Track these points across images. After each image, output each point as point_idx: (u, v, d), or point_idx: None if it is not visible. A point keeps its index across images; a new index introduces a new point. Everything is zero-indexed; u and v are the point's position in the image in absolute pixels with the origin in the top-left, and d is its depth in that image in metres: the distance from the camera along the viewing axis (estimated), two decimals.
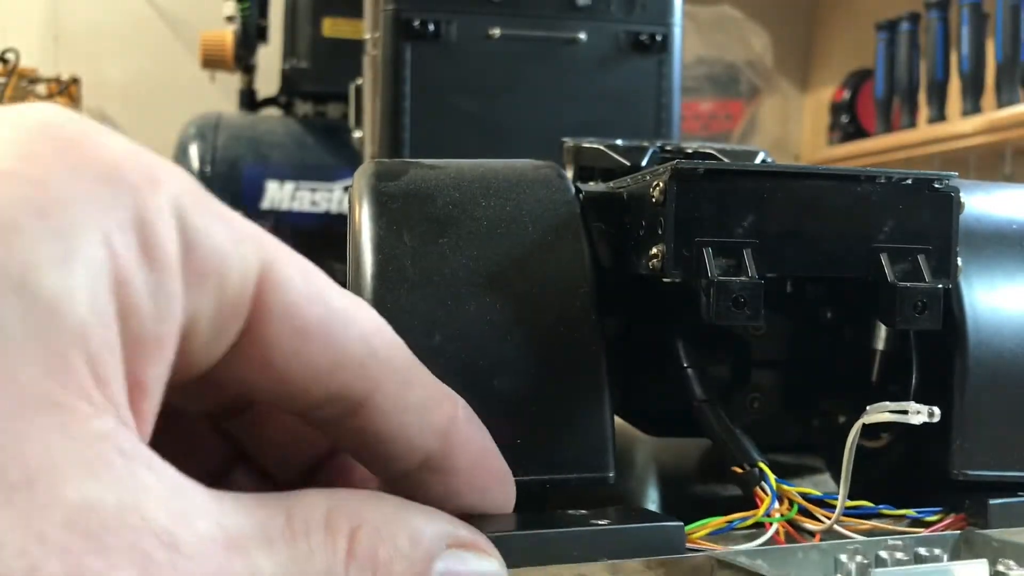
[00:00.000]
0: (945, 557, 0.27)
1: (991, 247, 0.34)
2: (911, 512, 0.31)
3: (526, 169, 0.34)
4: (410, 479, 0.22)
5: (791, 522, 0.29)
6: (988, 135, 1.52)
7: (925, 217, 0.30)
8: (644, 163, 0.41)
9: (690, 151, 0.43)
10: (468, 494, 0.23)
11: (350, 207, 0.34)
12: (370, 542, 0.19)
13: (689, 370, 0.34)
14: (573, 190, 0.33)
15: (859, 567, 0.26)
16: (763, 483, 0.30)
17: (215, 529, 0.16)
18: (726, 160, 0.42)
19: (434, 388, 0.22)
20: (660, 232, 0.29)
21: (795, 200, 0.29)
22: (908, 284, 0.29)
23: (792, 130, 2.24)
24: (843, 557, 0.26)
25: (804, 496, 0.30)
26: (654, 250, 0.29)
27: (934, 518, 0.31)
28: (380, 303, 0.29)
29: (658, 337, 0.34)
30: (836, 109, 2.03)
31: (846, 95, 2.00)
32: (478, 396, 0.27)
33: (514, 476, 0.25)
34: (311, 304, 0.19)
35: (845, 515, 0.29)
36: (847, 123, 1.99)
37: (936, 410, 0.26)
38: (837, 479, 0.39)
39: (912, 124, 1.75)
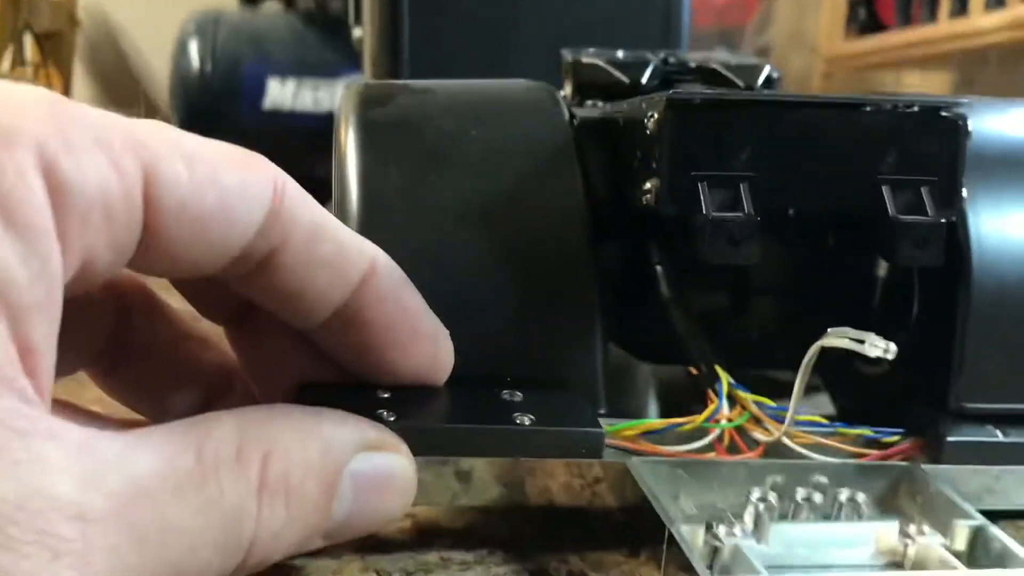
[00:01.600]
0: (863, 501, 0.26)
1: (1001, 171, 0.33)
2: (867, 431, 0.30)
3: (519, 93, 0.33)
4: (327, 331, 0.24)
5: (741, 429, 0.29)
6: (1012, 31, 1.48)
7: (930, 147, 0.28)
8: (645, 79, 0.40)
9: (692, 65, 0.41)
10: (388, 350, 0.24)
11: (335, 131, 0.33)
12: (281, 466, 0.19)
13: (658, 268, 0.33)
14: (567, 115, 0.32)
15: (767, 508, 0.26)
16: (716, 385, 0.30)
17: (125, 482, 0.17)
18: (730, 75, 0.41)
19: (346, 243, 0.23)
20: (655, 165, 0.28)
21: (795, 131, 0.28)
22: (909, 218, 0.28)
23: (808, 23, 2.18)
24: (755, 493, 0.26)
25: (758, 405, 0.29)
26: (648, 185, 0.28)
27: (892, 439, 0.30)
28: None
29: (653, 264, 0.33)
30: (854, 1, 1.97)
31: None
32: (469, 333, 0.27)
33: None
34: (202, 192, 0.20)
35: (800, 429, 0.29)
36: (865, 15, 1.93)
37: (893, 347, 0.26)
38: (835, 400, 0.39)
39: (932, 17, 1.69)
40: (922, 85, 1.28)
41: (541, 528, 0.28)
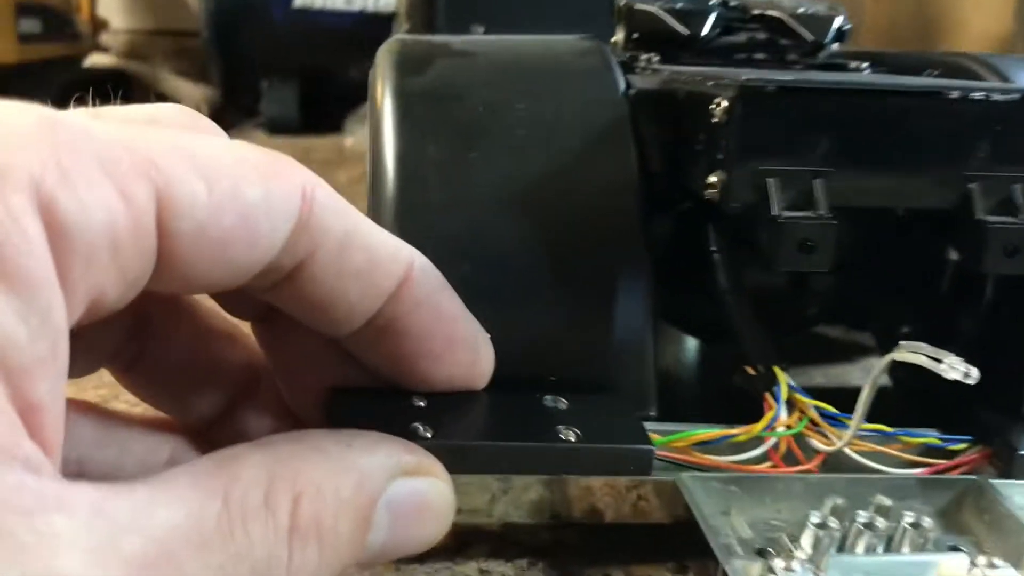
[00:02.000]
0: (929, 525, 0.25)
1: None
2: (934, 439, 0.28)
3: (569, 57, 0.31)
4: (359, 339, 0.22)
5: (799, 437, 0.27)
6: None
7: None
8: (705, 31, 0.37)
9: (756, 12, 0.38)
10: (423, 358, 0.23)
11: (371, 93, 0.30)
12: (312, 507, 0.18)
13: (716, 255, 0.31)
14: (622, 86, 0.30)
15: (826, 534, 0.24)
16: (775, 389, 0.28)
17: (143, 544, 0.16)
18: (797, 26, 0.37)
19: (380, 250, 0.21)
20: (720, 157, 0.25)
21: (877, 121, 0.25)
22: (998, 220, 0.25)
23: None
24: (814, 517, 0.24)
25: (819, 411, 0.27)
26: (712, 179, 0.25)
27: (959, 447, 0.28)
28: (403, 228, 0.27)
29: (710, 250, 0.31)
30: None
31: None
32: (511, 324, 0.25)
33: None
34: (221, 212, 0.18)
35: (861, 436, 0.27)
36: None
37: (975, 372, 0.23)
38: (892, 372, 0.37)
39: None
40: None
41: (584, 538, 0.27)
